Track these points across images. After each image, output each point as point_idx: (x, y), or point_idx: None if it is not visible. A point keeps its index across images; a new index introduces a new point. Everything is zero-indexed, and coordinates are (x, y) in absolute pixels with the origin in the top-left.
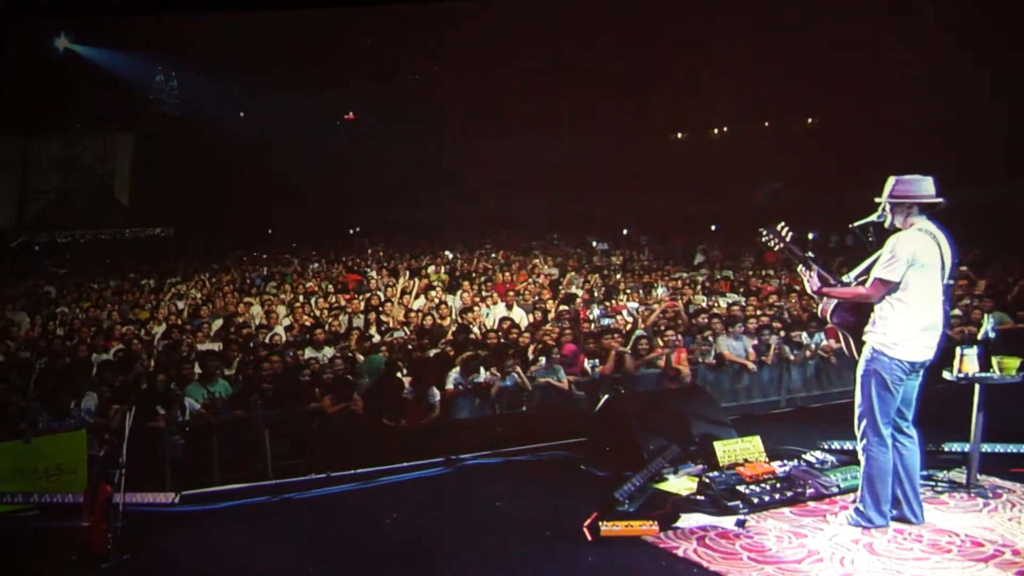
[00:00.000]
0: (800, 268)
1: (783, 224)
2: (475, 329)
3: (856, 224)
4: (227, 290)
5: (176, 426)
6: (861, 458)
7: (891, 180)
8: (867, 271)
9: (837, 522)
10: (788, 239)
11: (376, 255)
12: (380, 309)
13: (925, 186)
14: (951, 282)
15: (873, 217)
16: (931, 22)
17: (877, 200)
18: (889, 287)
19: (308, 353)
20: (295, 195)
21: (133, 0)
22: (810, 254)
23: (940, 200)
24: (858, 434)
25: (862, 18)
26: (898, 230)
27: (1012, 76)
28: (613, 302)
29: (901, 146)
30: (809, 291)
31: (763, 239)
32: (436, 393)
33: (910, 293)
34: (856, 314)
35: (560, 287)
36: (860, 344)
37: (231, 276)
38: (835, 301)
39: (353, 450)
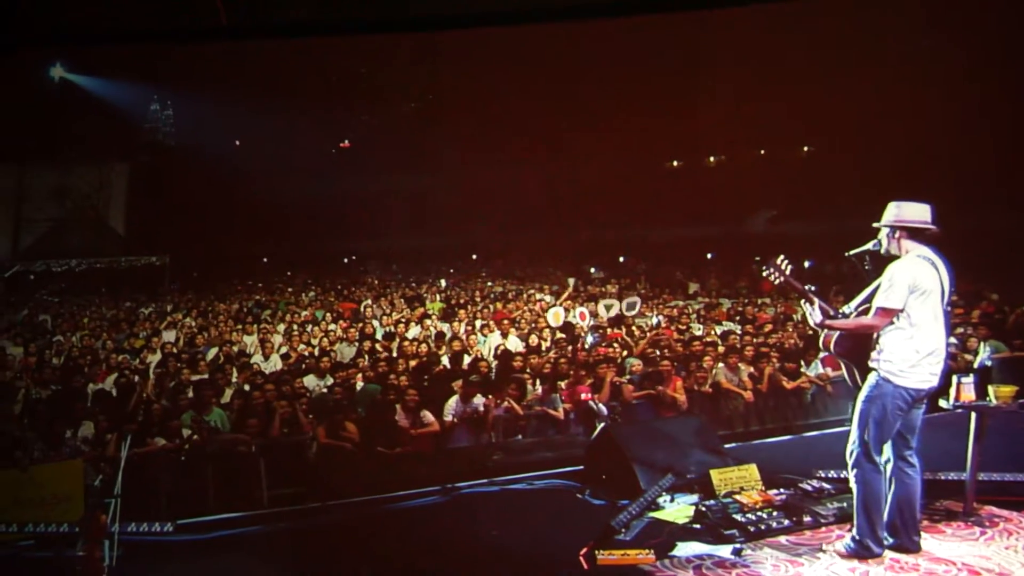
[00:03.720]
0: (802, 301)
1: (783, 257)
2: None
3: (852, 252)
4: (222, 319)
5: (173, 454)
6: (853, 486)
7: (891, 206)
8: (867, 300)
9: (833, 550)
10: (788, 272)
11: (371, 283)
12: (375, 338)
13: (922, 212)
14: (948, 308)
15: (869, 245)
16: (927, 51)
17: (876, 225)
18: (892, 315)
19: (307, 382)
20: (290, 223)
21: (128, 29)
22: (810, 286)
23: (934, 227)
24: (849, 461)
25: (859, 47)
26: (895, 257)
27: (1010, 105)
28: (608, 331)
29: (897, 175)
30: (812, 324)
31: (763, 273)
32: (429, 415)
33: (914, 320)
34: (858, 344)
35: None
36: (864, 372)
37: (226, 304)
38: (837, 332)
39: (349, 479)
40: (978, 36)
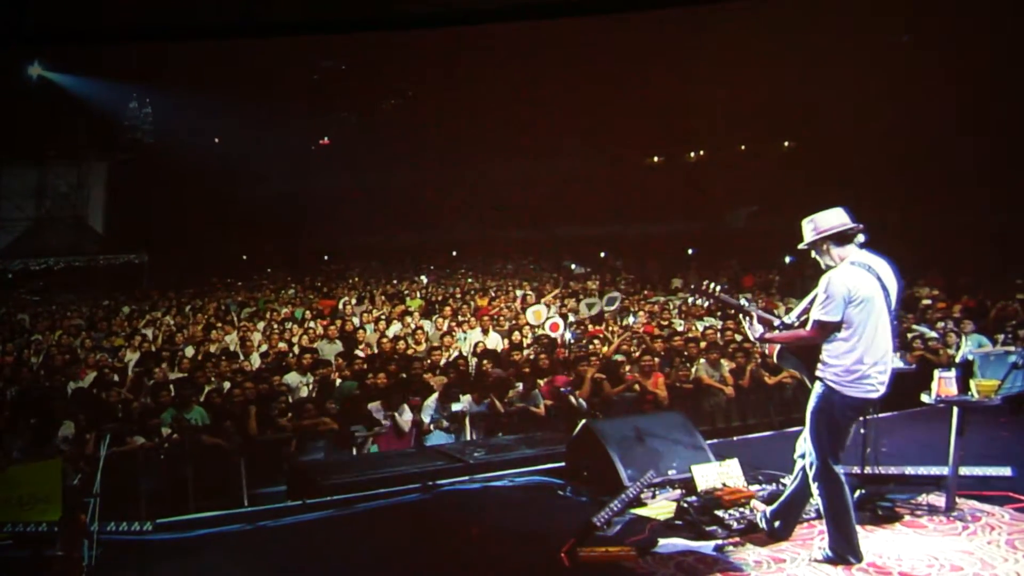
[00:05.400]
0: (740, 316)
1: (707, 280)
2: (451, 353)
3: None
4: (201, 317)
5: (152, 453)
6: (818, 500)
7: (804, 223)
8: (807, 310)
9: (811, 558)
10: (717, 292)
11: (351, 280)
12: (355, 335)
13: (837, 216)
14: (894, 312)
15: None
16: (909, 48)
17: (801, 247)
18: (829, 328)
19: (289, 379)
20: (269, 221)
21: (107, 28)
22: (745, 300)
23: (856, 226)
24: (811, 474)
25: (840, 42)
26: (832, 267)
27: (993, 102)
28: (589, 327)
29: (878, 170)
30: (751, 338)
31: (690, 300)
32: (407, 410)
33: (856, 331)
34: (804, 355)
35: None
36: (813, 379)
37: (205, 302)
38: (779, 344)
39: (328, 477)
40: (963, 34)
